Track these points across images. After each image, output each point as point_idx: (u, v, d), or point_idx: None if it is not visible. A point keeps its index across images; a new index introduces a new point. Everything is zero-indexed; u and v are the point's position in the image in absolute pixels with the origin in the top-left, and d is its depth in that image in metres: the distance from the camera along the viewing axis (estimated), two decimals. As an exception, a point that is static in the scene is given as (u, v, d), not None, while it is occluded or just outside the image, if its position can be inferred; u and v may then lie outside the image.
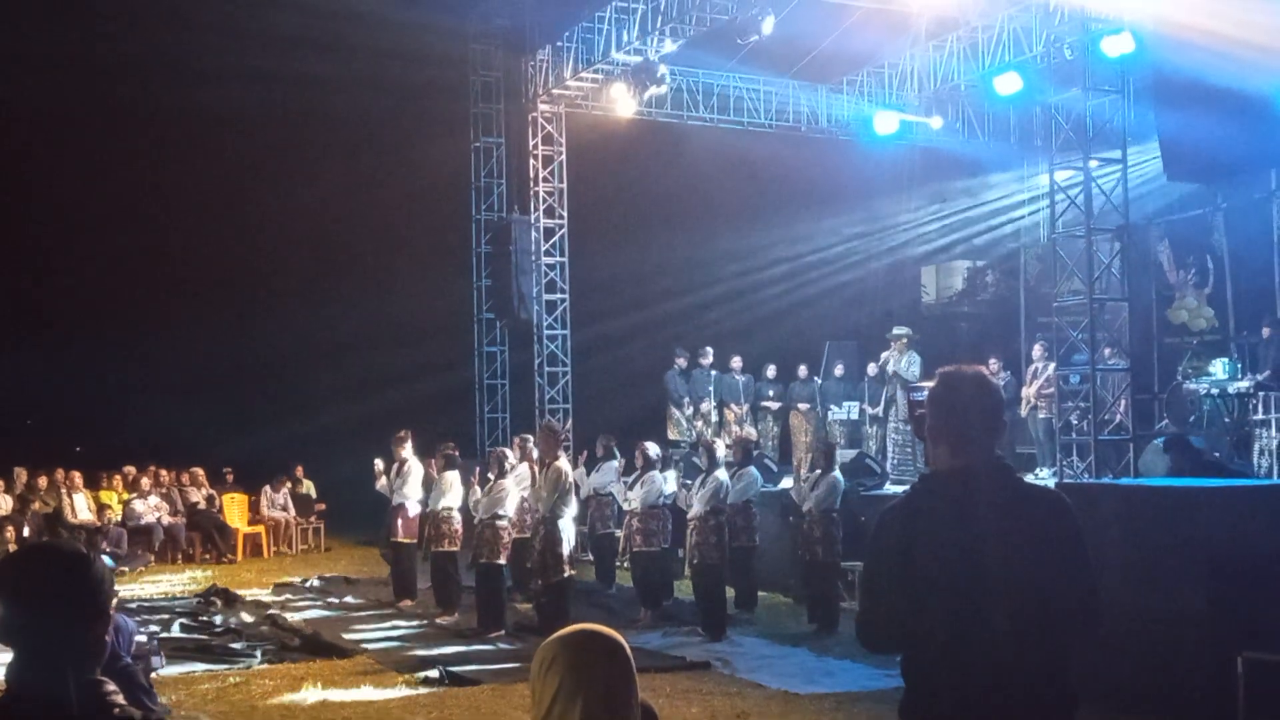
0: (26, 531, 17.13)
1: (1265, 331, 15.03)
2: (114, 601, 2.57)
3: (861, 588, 3.86)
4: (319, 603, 14.63)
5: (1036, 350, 16.68)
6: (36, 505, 18.35)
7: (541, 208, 20.88)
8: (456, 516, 13.52)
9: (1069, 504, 3.48)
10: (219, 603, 13.92)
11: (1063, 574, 3.32)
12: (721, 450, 13.04)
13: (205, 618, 12.95)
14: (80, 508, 18.59)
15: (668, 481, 13.69)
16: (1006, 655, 3.24)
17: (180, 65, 22.10)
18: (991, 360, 17.33)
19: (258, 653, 11.07)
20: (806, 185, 22.94)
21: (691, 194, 24.24)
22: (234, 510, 20.22)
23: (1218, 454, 13.70)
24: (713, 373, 18.90)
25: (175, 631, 12.14)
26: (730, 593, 13.01)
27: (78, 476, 18.98)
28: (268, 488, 20.56)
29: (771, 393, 19.26)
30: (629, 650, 2.57)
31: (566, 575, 11.94)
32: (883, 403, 17.54)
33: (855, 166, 22.06)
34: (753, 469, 13.62)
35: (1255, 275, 17.07)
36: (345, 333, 26.73)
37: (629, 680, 2.53)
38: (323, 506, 21.34)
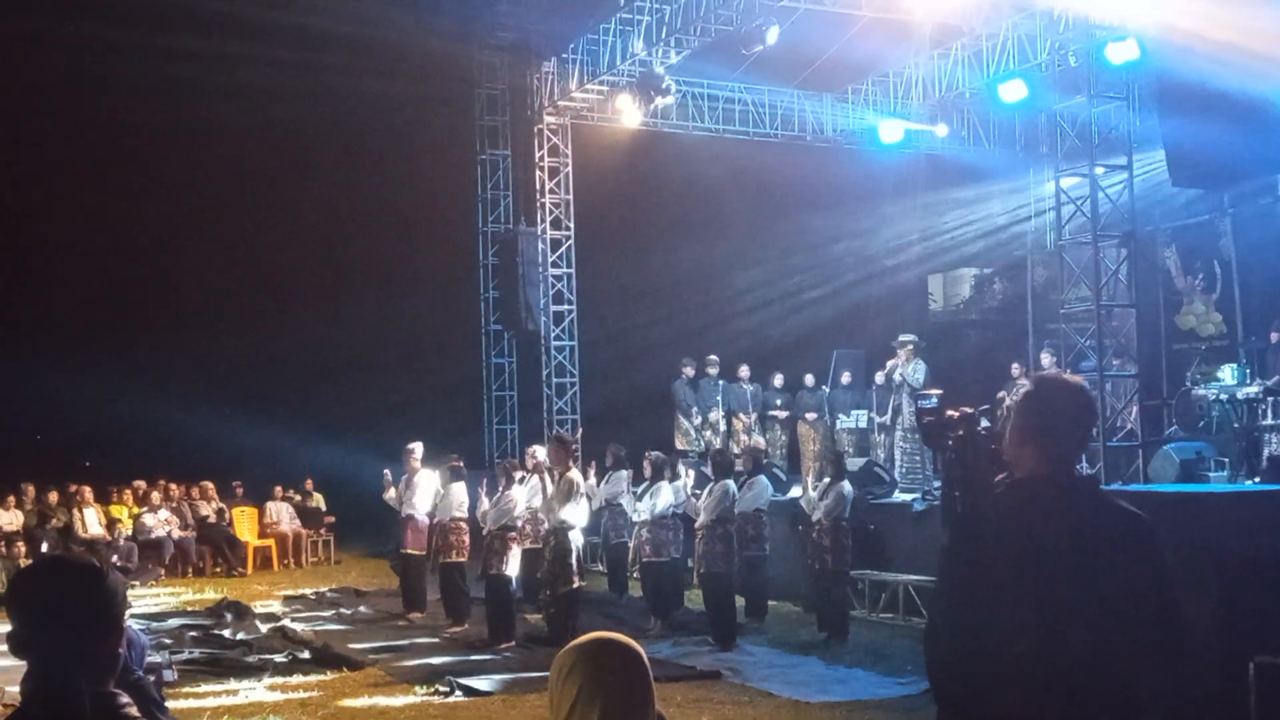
0: (45, 546, 17.16)
1: (1274, 336, 15.00)
2: (126, 615, 2.58)
3: (935, 596, 3.71)
4: (329, 615, 14.63)
5: (1045, 359, 16.67)
6: (55, 522, 18.39)
7: (548, 219, 20.94)
8: (463, 528, 13.54)
9: (1151, 525, 3.35)
10: (230, 616, 13.92)
11: (1143, 596, 3.22)
12: (730, 459, 13.03)
13: (216, 631, 12.95)
14: (91, 522, 18.62)
15: (676, 491, 13.69)
16: (1080, 672, 3.15)
17: (191, 80, 22.23)
18: (1014, 365, 17.33)
19: (269, 665, 11.07)
20: (812, 194, 22.97)
21: (697, 204, 24.28)
22: (244, 523, 20.25)
23: (1226, 459, 13.68)
24: (720, 382, 18.88)
25: (187, 645, 12.14)
26: (740, 602, 12.99)
27: (88, 491, 19.00)
28: (270, 503, 20.60)
29: (779, 402, 19.23)
30: (646, 658, 2.57)
31: (575, 586, 11.95)
32: (890, 411, 17.49)
33: (861, 175, 22.10)
34: (763, 478, 13.60)
35: (1263, 280, 17.05)
36: (353, 345, 26.79)
37: (646, 687, 2.54)
38: (332, 519, 21.37)
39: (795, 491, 15.14)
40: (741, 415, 18.86)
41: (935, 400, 4.17)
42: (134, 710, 2.40)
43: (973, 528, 3.39)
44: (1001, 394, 16.82)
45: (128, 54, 21.75)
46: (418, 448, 14.42)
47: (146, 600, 15.98)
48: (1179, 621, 3.32)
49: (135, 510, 19.47)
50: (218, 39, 21.68)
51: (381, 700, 9.73)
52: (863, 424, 18.27)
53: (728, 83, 20.07)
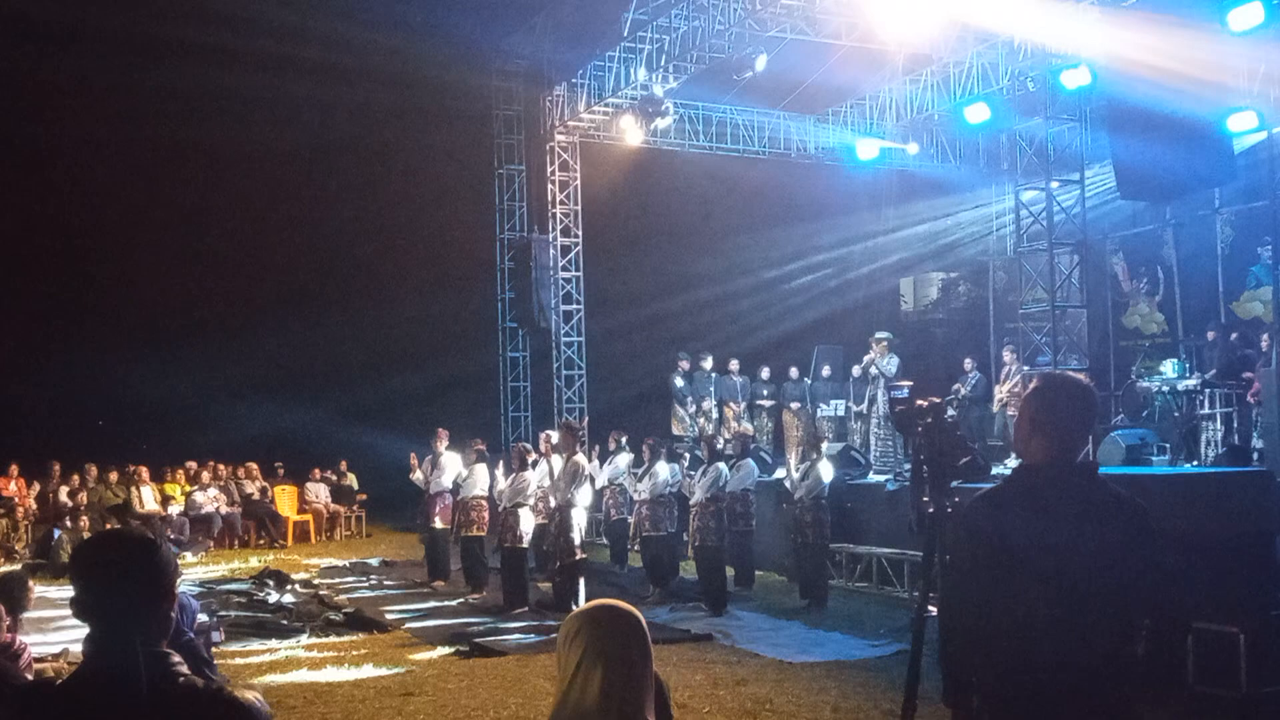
0: (87, 521, 17.18)
1: (1210, 335, 15.00)
2: (178, 582, 2.58)
3: (947, 574, 3.62)
4: (361, 583, 14.64)
5: (1006, 354, 16.62)
6: (109, 497, 18.43)
7: (558, 228, 20.93)
8: (484, 505, 13.53)
9: (1143, 506, 3.31)
10: (271, 583, 13.91)
11: (1142, 577, 3.18)
12: (721, 444, 13.02)
13: (259, 597, 12.95)
14: (147, 499, 18.63)
15: (673, 472, 13.68)
16: (1080, 643, 3.09)
17: (252, 107, 22.43)
18: (966, 360, 17.28)
19: (307, 628, 11.08)
20: (796, 206, 22.94)
21: (693, 215, 24.25)
22: (284, 500, 20.26)
23: (1167, 445, 13.67)
24: (713, 374, 18.88)
25: (232, 609, 12.14)
26: (730, 572, 12.99)
27: (145, 471, 19.02)
28: (308, 482, 20.67)
29: (766, 392, 19.23)
30: (644, 622, 2.57)
31: (577, 558, 11.94)
32: (866, 401, 17.49)
33: (840, 189, 22.06)
34: (750, 461, 13.60)
35: (1201, 284, 17.05)
36: (384, 340, 26.78)
37: (644, 648, 2.53)
38: (364, 497, 21.38)
39: (780, 473, 15.12)
40: (732, 404, 18.86)
41: (906, 391, 4.15)
42: (185, 668, 2.40)
43: (985, 511, 3.35)
44: (957, 385, 16.84)
45: (203, 86, 22.04)
46: (444, 433, 14.42)
47: (197, 569, 15.99)
48: (1175, 590, 3.28)
49: (187, 488, 19.50)
50: (274, 73, 21.74)
51: (408, 659, 9.73)
52: (841, 412, 18.27)
53: (720, 105, 20.04)
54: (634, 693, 2.48)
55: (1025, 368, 15.40)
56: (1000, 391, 16.28)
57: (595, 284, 21.54)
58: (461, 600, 12.91)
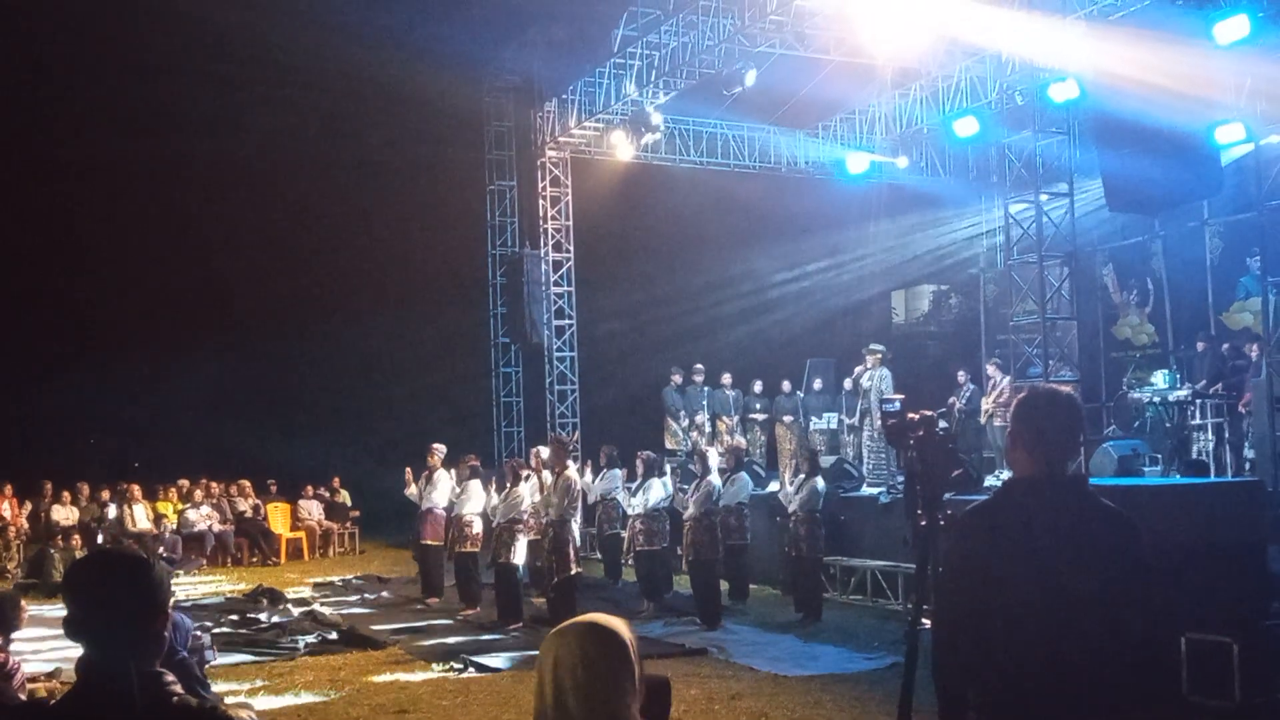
0: (100, 539, 17.12)
1: (1200, 345, 15.04)
2: (171, 601, 2.57)
3: (939, 590, 3.63)
4: (355, 600, 14.59)
5: (990, 368, 16.66)
6: (107, 516, 18.36)
7: (550, 243, 20.95)
8: (477, 521, 13.49)
9: (1132, 520, 3.31)
10: (265, 601, 13.87)
11: (1132, 588, 3.19)
12: (714, 458, 13.01)
13: (253, 615, 12.88)
14: (139, 517, 18.55)
15: (665, 487, 13.67)
16: (1072, 654, 3.10)
17: (240, 123, 22.48)
18: (960, 373, 17.30)
19: (300, 645, 11.04)
20: (787, 220, 22.98)
21: (684, 229, 24.29)
22: (277, 518, 20.20)
23: (1159, 455, 13.70)
24: (705, 388, 18.87)
25: (226, 628, 12.08)
26: (724, 586, 12.97)
27: (137, 489, 18.95)
28: (301, 499, 20.61)
29: (758, 406, 19.22)
30: (627, 637, 2.53)
31: (574, 572, 11.91)
32: (858, 414, 17.50)
33: (830, 202, 22.10)
34: (744, 475, 13.58)
35: (1190, 295, 17.12)
36: (376, 356, 26.78)
37: (623, 664, 2.49)
38: (357, 513, 21.32)
39: (773, 486, 15.13)
40: (724, 418, 18.85)
41: (898, 404, 4.16)
42: (178, 687, 2.39)
43: (974, 526, 3.36)
44: (952, 399, 16.86)
45: (195, 103, 22.12)
46: (440, 449, 14.38)
47: (190, 587, 15.92)
48: (1160, 607, 3.27)
49: (179, 506, 19.42)
50: (265, 89, 21.83)
51: (402, 676, 9.70)
52: (833, 425, 18.27)
53: (710, 120, 20.08)
54: (612, 710, 2.44)
55: (1007, 379, 15.43)
56: (986, 403, 16.32)
57: (587, 299, 21.56)
58: (456, 617, 12.87)
